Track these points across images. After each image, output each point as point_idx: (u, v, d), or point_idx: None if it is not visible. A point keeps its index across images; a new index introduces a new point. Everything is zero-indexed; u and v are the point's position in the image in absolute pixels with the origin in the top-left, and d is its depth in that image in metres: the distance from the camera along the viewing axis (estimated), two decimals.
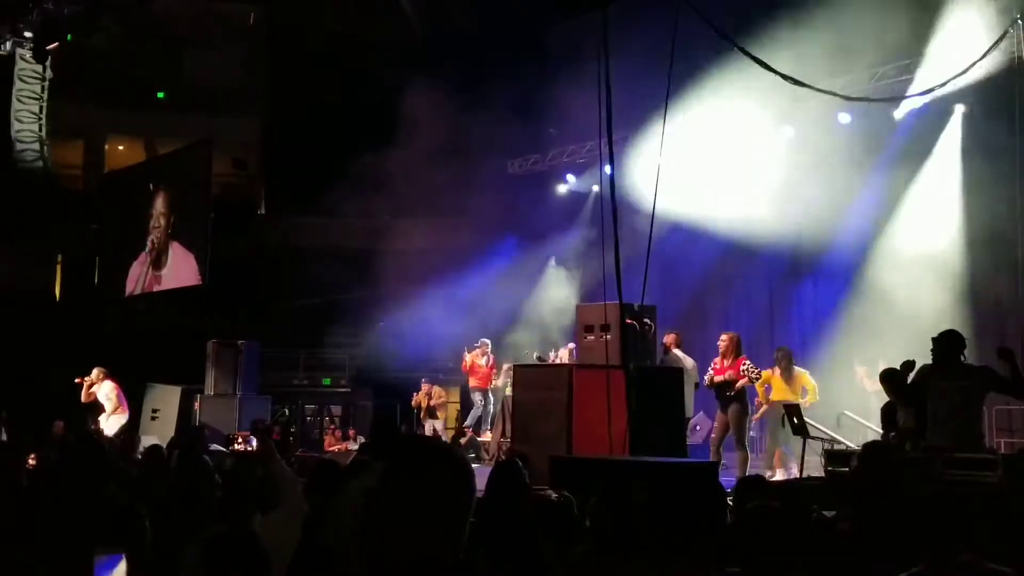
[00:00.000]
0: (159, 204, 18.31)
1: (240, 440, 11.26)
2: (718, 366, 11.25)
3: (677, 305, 16.92)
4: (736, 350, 11.20)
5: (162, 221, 18.12)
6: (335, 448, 15.51)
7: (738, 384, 11.04)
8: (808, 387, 12.30)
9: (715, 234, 16.93)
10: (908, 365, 8.56)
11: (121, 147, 24.20)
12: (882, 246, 15.41)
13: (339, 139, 18.40)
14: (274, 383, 17.99)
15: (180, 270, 17.65)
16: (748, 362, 11.21)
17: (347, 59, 21.08)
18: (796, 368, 12.43)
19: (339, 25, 23.45)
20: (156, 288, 18.19)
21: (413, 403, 17.18)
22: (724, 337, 11.43)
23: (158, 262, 18.11)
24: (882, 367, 11.71)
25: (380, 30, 23.19)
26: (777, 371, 12.32)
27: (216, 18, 22.25)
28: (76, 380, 14.42)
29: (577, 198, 19.04)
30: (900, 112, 14.55)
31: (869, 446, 6.49)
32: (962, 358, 7.99)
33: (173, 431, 14.22)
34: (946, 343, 7.95)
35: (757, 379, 11.36)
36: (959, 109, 14.35)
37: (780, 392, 12.23)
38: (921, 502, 3.65)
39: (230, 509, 4.89)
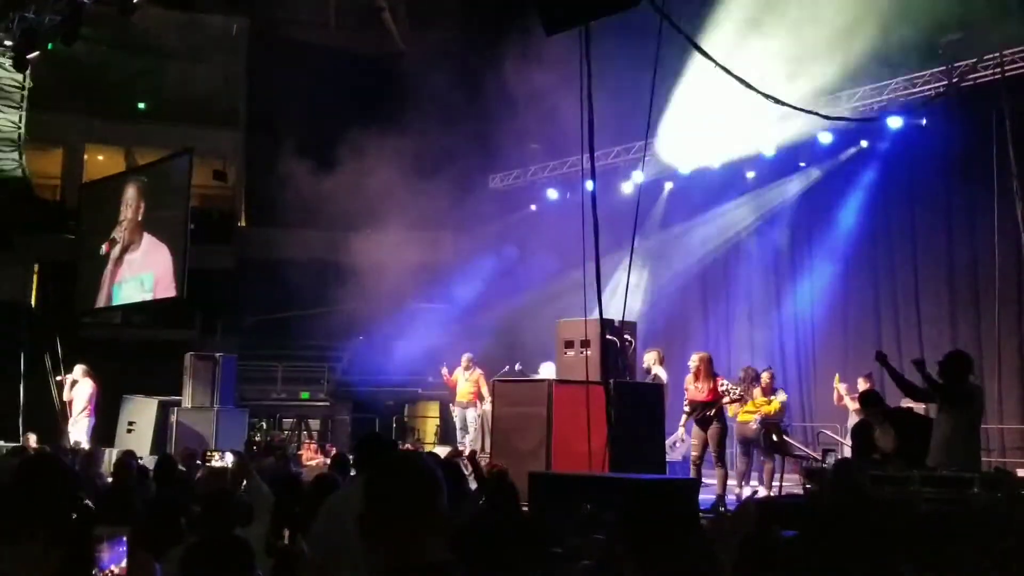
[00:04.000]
0: (130, 193, 17.82)
1: (216, 456, 11.05)
2: (691, 387, 11.09)
3: (659, 321, 16.97)
4: (709, 371, 11.02)
5: (129, 213, 17.57)
6: (312, 462, 15.37)
7: (718, 404, 10.95)
8: (761, 406, 12.08)
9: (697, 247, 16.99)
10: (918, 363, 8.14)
11: (100, 157, 24.03)
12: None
13: (320, 151, 18.31)
14: (252, 396, 17.83)
15: (152, 259, 16.92)
16: (726, 381, 11.13)
17: (328, 72, 21.03)
18: (755, 390, 12.21)
19: (320, 38, 23.46)
20: (121, 276, 17.53)
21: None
22: (695, 357, 11.17)
23: (127, 250, 17.47)
24: (863, 386, 11.76)
25: (362, 43, 23.24)
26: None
27: (197, 29, 22.15)
28: (58, 378, 14.28)
29: (558, 213, 18.98)
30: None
31: (840, 463, 6.41)
32: (971, 378, 7.80)
33: (149, 444, 14.11)
34: (949, 365, 7.78)
35: (739, 400, 11.28)
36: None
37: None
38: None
39: (208, 524, 4.87)
